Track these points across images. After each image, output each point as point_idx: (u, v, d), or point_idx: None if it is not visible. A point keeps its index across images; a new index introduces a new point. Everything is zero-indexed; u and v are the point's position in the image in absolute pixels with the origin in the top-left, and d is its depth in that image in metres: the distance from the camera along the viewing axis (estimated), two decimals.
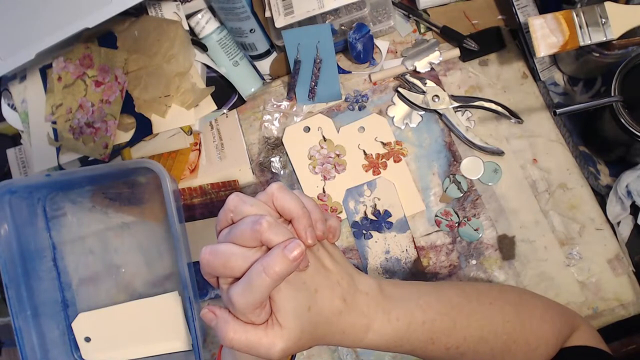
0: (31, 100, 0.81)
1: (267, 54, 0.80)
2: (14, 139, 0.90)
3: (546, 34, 0.63)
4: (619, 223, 0.69)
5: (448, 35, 0.75)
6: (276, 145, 0.78)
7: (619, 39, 0.61)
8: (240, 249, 0.40)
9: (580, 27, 0.62)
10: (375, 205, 0.73)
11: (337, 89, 0.76)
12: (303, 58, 0.74)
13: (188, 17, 0.76)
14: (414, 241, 0.72)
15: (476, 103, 0.73)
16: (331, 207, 0.74)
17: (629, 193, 0.66)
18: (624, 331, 0.70)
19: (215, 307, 0.42)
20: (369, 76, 0.77)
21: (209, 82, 0.78)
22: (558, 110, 0.59)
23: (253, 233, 0.39)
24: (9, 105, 0.83)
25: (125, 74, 0.75)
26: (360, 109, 0.76)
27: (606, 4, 0.61)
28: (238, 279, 0.40)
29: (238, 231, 0.40)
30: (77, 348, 0.78)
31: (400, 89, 0.75)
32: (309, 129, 0.77)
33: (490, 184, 0.72)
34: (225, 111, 0.78)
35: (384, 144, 0.75)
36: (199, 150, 0.79)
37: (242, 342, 0.40)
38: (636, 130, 0.60)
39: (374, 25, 0.74)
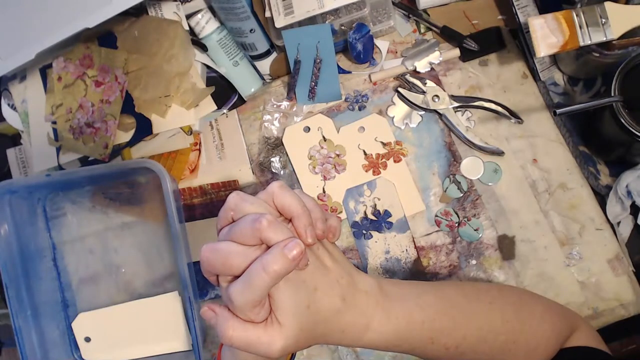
0: (31, 100, 0.81)
1: (267, 54, 0.80)
2: (14, 139, 0.90)
3: (546, 34, 0.63)
4: (619, 223, 0.69)
5: (448, 35, 0.75)
6: (276, 145, 0.78)
7: (619, 39, 0.61)
8: (240, 247, 0.40)
9: (580, 27, 0.62)
10: (375, 205, 0.73)
11: (337, 89, 0.76)
12: (303, 58, 0.75)
13: (188, 17, 0.76)
14: (414, 241, 0.72)
15: (476, 103, 0.73)
16: (331, 207, 0.74)
17: (629, 193, 0.66)
18: (624, 331, 0.70)
19: (215, 305, 0.42)
20: (369, 76, 0.77)
21: (209, 82, 0.78)
22: (558, 110, 0.59)
23: (253, 231, 0.39)
24: (9, 105, 0.83)
25: (125, 74, 0.75)
26: (360, 109, 0.76)
27: (606, 4, 0.61)
28: (238, 277, 0.40)
29: (238, 229, 0.40)
30: (77, 348, 0.78)
31: (400, 89, 0.75)
32: (309, 129, 0.77)
33: (490, 184, 0.72)
34: (225, 111, 0.78)
35: (384, 144, 0.75)
36: (199, 150, 0.79)
37: (242, 340, 0.40)
38: (636, 130, 0.60)
39: (374, 25, 0.74)
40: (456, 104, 0.73)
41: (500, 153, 0.72)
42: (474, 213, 0.72)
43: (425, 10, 0.77)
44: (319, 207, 0.45)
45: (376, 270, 0.72)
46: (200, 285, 0.76)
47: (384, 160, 0.74)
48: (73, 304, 0.80)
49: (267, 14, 0.73)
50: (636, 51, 0.62)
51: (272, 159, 0.77)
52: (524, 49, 0.73)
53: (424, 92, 0.74)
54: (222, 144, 0.79)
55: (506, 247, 0.71)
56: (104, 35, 0.77)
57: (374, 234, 0.73)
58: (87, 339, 0.78)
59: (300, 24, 0.72)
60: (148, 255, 0.79)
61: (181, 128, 0.77)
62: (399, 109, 0.76)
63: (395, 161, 0.74)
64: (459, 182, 0.72)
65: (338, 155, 0.75)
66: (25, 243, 0.76)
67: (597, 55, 0.65)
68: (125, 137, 0.77)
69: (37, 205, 0.80)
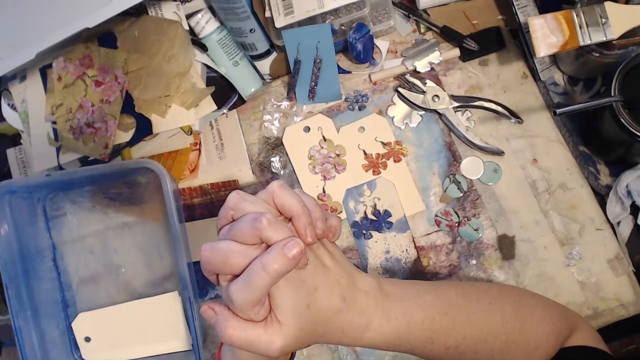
0: (31, 100, 0.81)
1: (267, 54, 0.80)
2: (14, 139, 0.90)
3: (546, 34, 0.63)
4: (619, 223, 0.69)
5: (448, 35, 0.75)
6: (276, 145, 0.78)
7: (619, 39, 0.61)
8: (240, 246, 0.40)
9: (580, 27, 0.62)
10: (375, 205, 0.73)
11: (337, 89, 0.76)
12: (303, 58, 0.75)
13: (188, 17, 0.76)
14: (414, 241, 0.72)
15: (476, 103, 0.73)
16: (331, 207, 0.74)
17: (629, 193, 0.66)
18: (624, 331, 0.70)
19: (215, 304, 0.42)
20: (369, 76, 0.77)
21: (209, 82, 0.78)
22: (558, 110, 0.59)
23: (253, 230, 0.39)
24: (9, 105, 0.83)
25: (125, 74, 0.75)
26: (360, 109, 0.76)
27: (606, 4, 0.61)
28: (238, 276, 0.40)
29: (238, 228, 0.40)
30: (77, 348, 0.78)
31: (400, 89, 0.75)
32: (309, 129, 0.77)
33: (490, 184, 0.72)
34: (225, 111, 0.79)
35: (384, 144, 0.75)
36: (199, 150, 0.79)
37: (242, 339, 0.40)
38: (636, 130, 0.59)
39: (374, 25, 0.74)
40: (456, 104, 0.73)
41: (500, 153, 0.72)
42: (474, 213, 0.72)
43: (425, 10, 0.77)
44: (319, 207, 0.45)
45: (376, 270, 0.72)
46: (200, 285, 0.76)
47: (384, 160, 0.74)
48: (73, 304, 0.80)
49: (267, 14, 0.73)
50: (636, 51, 0.62)
51: (272, 159, 0.77)
52: (524, 49, 0.73)
53: (424, 92, 0.74)
54: (222, 144, 0.79)
55: (506, 247, 0.71)
56: (104, 35, 0.77)
57: (374, 234, 0.73)
58: (87, 339, 0.78)
59: (300, 24, 0.73)
60: (148, 255, 0.79)
61: (181, 128, 0.77)
62: (399, 109, 0.76)
63: (395, 161, 0.74)
64: (459, 182, 0.72)
65: (338, 155, 0.75)
66: (25, 243, 0.76)
67: (597, 55, 0.65)
68: (125, 137, 0.77)
69: (37, 205, 0.80)
